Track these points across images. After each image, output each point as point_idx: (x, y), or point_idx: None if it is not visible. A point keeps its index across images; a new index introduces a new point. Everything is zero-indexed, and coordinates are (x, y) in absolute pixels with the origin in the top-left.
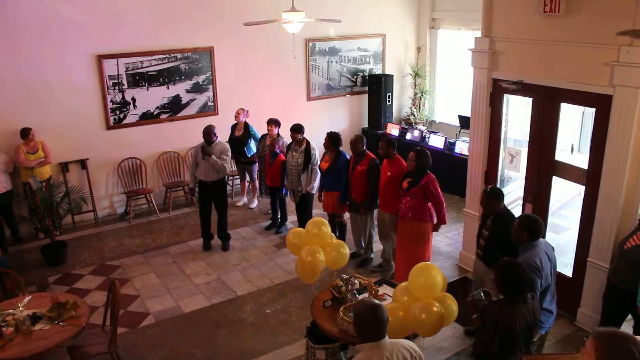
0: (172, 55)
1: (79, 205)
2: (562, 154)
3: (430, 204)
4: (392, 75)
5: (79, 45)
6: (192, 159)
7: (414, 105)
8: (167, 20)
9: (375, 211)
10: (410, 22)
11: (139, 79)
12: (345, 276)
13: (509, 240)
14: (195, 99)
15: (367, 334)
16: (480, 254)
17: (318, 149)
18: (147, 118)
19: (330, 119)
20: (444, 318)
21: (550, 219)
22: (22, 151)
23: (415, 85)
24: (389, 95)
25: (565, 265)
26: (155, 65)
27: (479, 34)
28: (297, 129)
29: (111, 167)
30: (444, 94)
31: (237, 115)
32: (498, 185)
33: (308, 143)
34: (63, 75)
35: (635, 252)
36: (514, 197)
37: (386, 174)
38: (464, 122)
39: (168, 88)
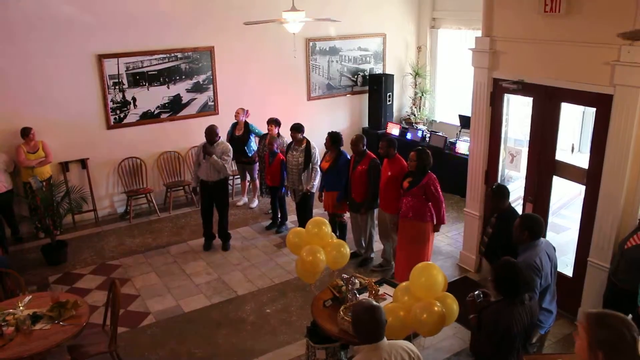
0: (172, 54)
1: (79, 205)
2: (562, 154)
3: (430, 203)
4: (393, 75)
5: (79, 45)
6: (194, 158)
7: (414, 104)
8: (167, 19)
9: (376, 211)
10: (411, 22)
11: (139, 79)
12: (345, 276)
13: (511, 238)
14: (195, 99)
15: (365, 336)
16: (483, 250)
17: (319, 149)
18: (148, 118)
19: (331, 118)
20: (445, 318)
21: (550, 219)
22: (22, 151)
23: (416, 85)
24: (389, 95)
25: (566, 265)
26: (156, 64)
27: (479, 33)
28: (297, 129)
29: (111, 166)
30: (444, 93)
31: (236, 115)
32: None
33: (308, 142)
34: (63, 75)
35: (635, 252)
36: (514, 197)
37: (386, 174)
38: (465, 121)
39: (168, 88)
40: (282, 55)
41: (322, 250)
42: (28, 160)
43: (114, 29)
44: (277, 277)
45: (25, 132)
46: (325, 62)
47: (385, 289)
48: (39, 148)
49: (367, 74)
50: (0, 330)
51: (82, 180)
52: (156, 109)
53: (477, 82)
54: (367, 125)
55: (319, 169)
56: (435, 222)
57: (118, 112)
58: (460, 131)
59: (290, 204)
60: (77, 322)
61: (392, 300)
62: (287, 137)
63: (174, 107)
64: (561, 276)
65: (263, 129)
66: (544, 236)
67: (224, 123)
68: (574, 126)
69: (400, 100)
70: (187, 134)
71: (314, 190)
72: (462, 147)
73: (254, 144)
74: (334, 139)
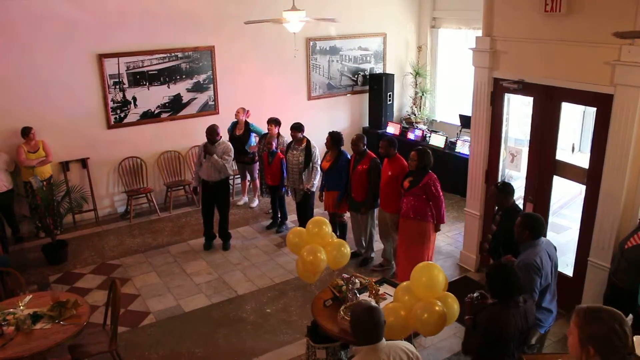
0: (172, 54)
1: (79, 205)
2: (563, 153)
3: (430, 203)
4: (393, 75)
5: (79, 45)
6: (196, 158)
7: (414, 104)
8: (167, 19)
9: (376, 210)
10: (411, 21)
11: (139, 78)
12: (345, 275)
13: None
14: (196, 98)
15: (363, 337)
16: (487, 247)
17: (319, 148)
18: (148, 117)
19: (331, 118)
20: (446, 318)
21: (551, 219)
22: (23, 150)
23: (416, 85)
24: (389, 95)
25: (566, 265)
26: (156, 64)
27: (479, 33)
28: (297, 128)
29: (112, 166)
30: (444, 93)
31: (237, 114)
32: None
33: (308, 142)
34: (64, 75)
35: (635, 252)
36: (514, 197)
37: (387, 174)
38: (465, 121)
39: (169, 87)
40: (283, 54)
41: (323, 249)
42: (28, 160)
43: (115, 28)
44: (278, 276)
45: (26, 132)
46: (326, 62)
47: (385, 289)
48: (40, 148)
49: (367, 73)
50: (1, 329)
51: (83, 180)
52: (156, 108)
53: (477, 81)
54: (367, 125)
55: (319, 169)
56: (435, 222)
57: (118, 111)
58: (460, 131)
59: (291, 203)
60: (78, 322)
61: (392, 300)
62: (287, 137)
63: (175, 106)
64: (561, 276)
65: (263, 128)
66: (545, 236)
67: (224, 122)
68: (575, 126)
69: (401, 99)
70: (188, 134)
71: (314, 189)
72: (463, 146)
73: (254, 141)
74: (334, 138)
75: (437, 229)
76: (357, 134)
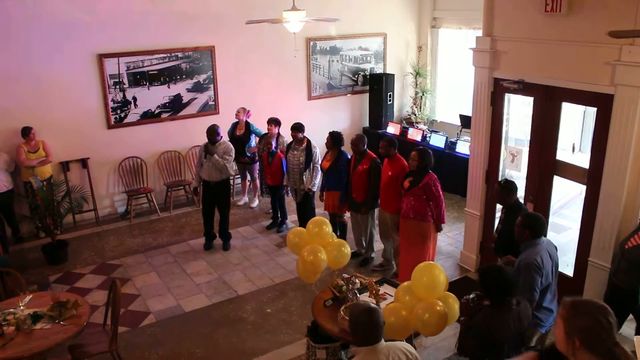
0: (173, 54)
1: (79, 205)
2: (563, 154)
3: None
4: (393, 75)
5: (79, 44)
6: (197, 158)
7: (415, 104)
8: (168, 19)
9: (376, 211)
10: (412, 21)
11: (139, 78)
12: (346, 275)
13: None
14: (196, 98)
15: (362, 338)
16: (493, 246)
17: (319, 148)
18: (148, 117)
19: (331, 118)
20: (448, 318)
21: (551, 219)
22: (23, 150)
23: (416, 85)
24: (390, 95)
25: (567, 265)
26: (156, 64)
27: (480, 33)
28: (297, 128)
29: (112, 166)
30: (445, 93)
31: (237, 114)
32: None
33: (309, 142)
34: (64, 74)
35: (636, 252)
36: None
37: (387, 174)
38: (465, 121)
39: (169, 87)
40: (283, 54)
41: (323, 249)
42: (28, 160)
43: (115, 28)
44: (278, 276)
45: (26, 132)
46: (326, 62)
47: (385, 289)
48: (40, 148)
49: (367, 73)
50: (1, 329)
51: (83, 180)
52: (157, 108)
53: (477, 81)
54: (367, 125)
55: (319, 169)
56: (433, 222)
57: (119, 111)
58: (460, 131)
59: (291, 203)
60: (78, 322)
61: (392, 300)
62: (287, 137)
63: (175, 106)
64: (562, 276)
65: (263, 128)
66: (545, 235)
67: (224, 123)
68: (575, 126)
69: (401, 99)
70: (188, 134)
71: (315, 189)
72: (463, 146)
73: (254, 142)
74: (335, 139)
75: (438, 229)
76: (357, 135)
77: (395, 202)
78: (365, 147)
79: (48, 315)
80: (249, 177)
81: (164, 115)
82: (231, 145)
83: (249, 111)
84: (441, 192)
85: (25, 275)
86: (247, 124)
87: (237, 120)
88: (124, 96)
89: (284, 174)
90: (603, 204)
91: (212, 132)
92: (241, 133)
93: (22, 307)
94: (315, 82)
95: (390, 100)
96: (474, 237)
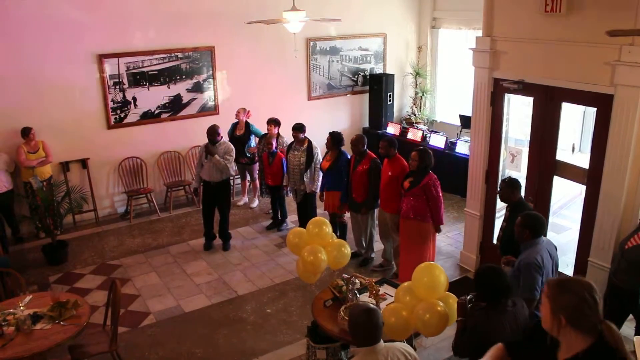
0: (173, 54)
1: (79, 205)
2: (563, 154)
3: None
4: (393, 75)
5: (79, 45)
6: (197, 159)
7: (414, 104)
8: (168, 19)
9: (376, 211)
10: (411, 22)
11: (139, 79)
12: (346, 276)
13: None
14: (196, 99)
15: (361, 339)
16: (498, 244)
17: (319, 148)
18: (148, 117)
19: (331, 118)
20: (448, 318)
21: (551, 219)
22: (23, 151)
23: (416, 85)
24: (389, 95)
25: (567, 265)
26: (156, 64)
27: (480, 33)
28: (298, 128)
29: (112, 166)
30: (445, 93)
31: (237, 115)
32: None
33: (310, 142)
34: (64, 75)
35: (635, 252)
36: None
37: (387, 174)
38: (465, 121)
39: (169, 87)
40: (283, 55)
41: (323, 250)
42: (28, 160)
43: (115, 28)
44: (278, 277)
45: (26, 132)
46: (326, 62)
47: (385, 289)
48: (40, 148)
49: (367, 73)
50: (1, 330)
51: (83, 180)
52: (156, 108)
53: (477, 82)
54: (367, 125)
55: (320, 169)
56: (432, 222)
57: (118, 111)
58: (460, 131)
59: (291, 203)
60: (78, 322)
61: (392, 300)
62: (287, 137)
63: (175, 107)
64: None
65: (263, 128)
66: (545, 235)
67: (224, 123)
68: (575, 126)
69: (401, 100)
70: (188, 134)
71: (318, 190)
72: (463, 147)
73: (253, 143)
74: (335, 139)
75: (437, 230)
76: (356, 135)
77: (395, 202)
78: (365, 147)
79: (48, 316)
80: (248, 178)
81: (164, 116)
82: (232, 146)
83: (248, 111)
84: (441, 193)
85: (25, 276)
86: (247, 124)
87: (237, 120)
88: (124, 96)
89: (284, 174)
90: (603, 204)
91: (213, 132)
92: (241, 133)
93: (22, 308)
94: (315, 82)
95: (390, 101)
96: (473, 237)
